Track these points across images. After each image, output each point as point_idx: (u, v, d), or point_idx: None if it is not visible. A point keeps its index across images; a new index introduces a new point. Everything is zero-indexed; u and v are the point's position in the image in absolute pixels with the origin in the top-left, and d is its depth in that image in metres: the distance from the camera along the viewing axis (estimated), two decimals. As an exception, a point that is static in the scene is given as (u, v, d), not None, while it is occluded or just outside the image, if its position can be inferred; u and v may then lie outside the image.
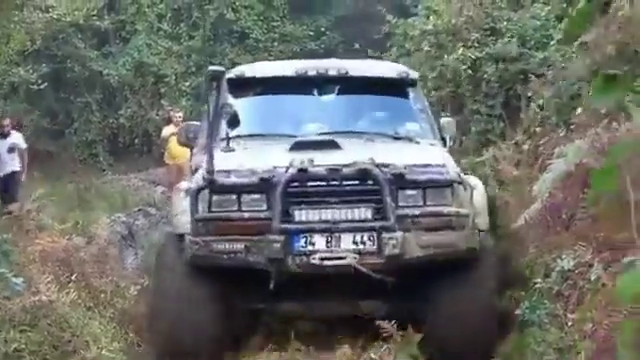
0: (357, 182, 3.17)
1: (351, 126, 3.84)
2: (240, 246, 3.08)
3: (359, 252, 3.06)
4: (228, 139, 3.54)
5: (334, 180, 3.15)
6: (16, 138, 7.82)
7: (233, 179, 3.21)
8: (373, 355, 3.07)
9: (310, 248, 3.09)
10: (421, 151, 3.61)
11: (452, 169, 3.32)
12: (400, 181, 3.12)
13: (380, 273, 3.03)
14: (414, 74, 4.22)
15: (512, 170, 4.78)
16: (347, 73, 3.89)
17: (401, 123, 3.87)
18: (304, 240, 3.10)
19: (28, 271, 4.64)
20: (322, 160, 3.16)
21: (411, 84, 4.06)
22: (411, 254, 3.05)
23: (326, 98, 3.88)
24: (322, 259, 3.05)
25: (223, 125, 3.58)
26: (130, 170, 12.07)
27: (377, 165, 3.11)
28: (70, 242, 5.67)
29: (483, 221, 3.37)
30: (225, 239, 3.10)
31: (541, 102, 5.44)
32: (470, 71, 6.69)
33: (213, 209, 3.16)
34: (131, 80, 13.68)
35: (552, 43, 6.11)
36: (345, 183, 3.16)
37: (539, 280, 3.17)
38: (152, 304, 3.47)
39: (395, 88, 4.02)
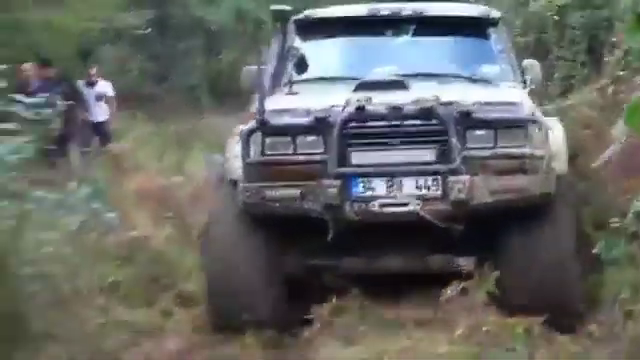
0: (420, 121, 2.91)
1: (425, 68, 3.55)
2: (294, 192, 2.88)
3: (422, 197, 2.84)
4: (291, 83, 3.39)
5: (395, 119, 2.89)
6: (103, 86, 8.02)
7: (287, 119, 3.00)
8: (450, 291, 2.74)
9: (369, 193, 2.88)
10: (496, 92, 3.34)
11: (528, 108, 3.03)
12: (467, 120, 2.86)
13: (446, 221, 2.80)
14: (496, 13, 3.87)
15: (595, 114, 4.69)
16: (422, 13, 3.65)
17: (480, 65, 3.59)
18: (362, 185, 2.90)
19: (124, 208, 4.76)
20: (384, 100, 2.92)
21: (492, 24, 3.74)
22: (480, 200, 2.82)
23: (400, 40, 3.63)
24: (382, 205, 2.84)
25: (289, 68, 3.44)
26: (230, 113, 12.39)
27: (442, 103, 2.86)
28: (167, 181, 5.82)
29: (561, 165, 3.10)
30: (278, 185, 2.90)
31: (625, 48, 5.10)
32: (555, 17, 6.84)
33: (266, 152, 2.94)
34: (232, 26, 13.79)
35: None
36: (407, 122, 2.91)
37: (616, 219, 2.89)
38: (204, 255, 3.32)
39: (474, 28, 3.75)
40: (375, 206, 2.83)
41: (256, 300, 2.95)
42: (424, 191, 2.86)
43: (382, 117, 2.90)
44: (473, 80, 3.49)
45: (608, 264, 2.87)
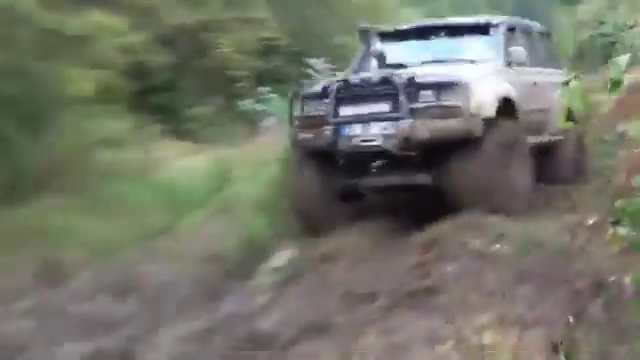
0: (381, 86, 4.48)
1: (444, 56, 5.22)
2: (310, 135, 4.57)
3: (383, 135, 4.36)
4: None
5: (366, 86, 4.55)
6: None
7: (313, 89, 4.88)
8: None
9: (351, 133, 4.45)
10: (465, 67, 4.90)
11: (465, 77, 4.42)
12: (412, 84, 4.35)
13: (401, 150, 4.33)
14: (495, 20, 5.51)
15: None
16: (447, 24, 5.66)
17: (477, 52, 5.21)
18: (347, 129, 4.48)
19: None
20: (404, 73, 4.49)
21: (490, 27, 5.34)
22: (420, 136, 4.27)
23: (435, 40, 5.49)
24: (360, 140, 4.42)
25: (369, 62, 5.00)
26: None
27: (396, 74, 4.40)
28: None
29: (488, 112, 4.39)
30: (303, 130, 4.66)
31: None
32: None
33: (301, 109, 4.73)
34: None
35: None
36: (374, 88, 4.51)
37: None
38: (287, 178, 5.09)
39: (479, 30, 5.40)
40: (354, 141, 4.42)
41: (317, 206, 4.63)
42: (384, 131, 4.35)
43: (358, 85, 4.60)
44: (468, 61, 5.04)
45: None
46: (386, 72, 4.46)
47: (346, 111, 4.48)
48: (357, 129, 4.41)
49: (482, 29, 5.36)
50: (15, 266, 4.55)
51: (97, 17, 6.56)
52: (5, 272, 4.44)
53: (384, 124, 4.31)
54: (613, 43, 9.87)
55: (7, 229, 5.07)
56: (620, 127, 3.68)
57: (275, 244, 4.73)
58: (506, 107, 4.60)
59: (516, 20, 6.01)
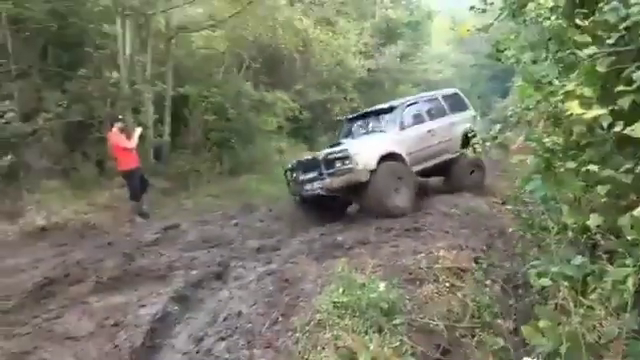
0: (313, 162, 7.27)
1: (372, 128, 8.26)
2: (292, 189, 7.64)
3: (319, 186, 7.03)
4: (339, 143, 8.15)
5: (307, 162, 7.42)
6: None
7: (289, 165, 7.93)
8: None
9: (306, 187, 7.24)
10: (374, 136, 7.96)
11: (354, 150, 7.02)
12: (326, 159, 7.07)
13: (330, 192, 6.92)
14: (396, 103, 8.41)
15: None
16: (376, 109, 8.55)
17: (386, 124, 8.06)
18: (304, 185, 7.24)
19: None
20: (323, 153, 7.41)
21: (394, 108, 8.21)
22: (334, 186, 6.84)
23: (370, 119, 8.48)
24: (309, 190, 7.17)
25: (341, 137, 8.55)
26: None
27: (318, 154, 7.36)
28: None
29: (370, 166, 6.86)
30: (289, 186, 7.76)
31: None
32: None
33: (288, 175, 7.86)
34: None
35: None
36: (310, 163, 7.32)
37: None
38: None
39: (390, 110, 8.22)
40: (308, 191, 7.16)
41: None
42: (318, 184, 7.01)
43: (303, 162, 7.46)
44: (379, 131, 7.95)
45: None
46: (316, 153, 7.50)
47: (301, 176, 7.31)
48: (307, 185, 7.17)
49: (391, 110, 8.18)
50: (232, 206, 8.57)
51: (277, 94, 13.58)
52: (228, 208, 8.26)
53: (317, 182, 7.04)
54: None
55: (231, 189, 9.71)
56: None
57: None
58: (391, 156, 7.13)
59: (416, 98, 8.89)
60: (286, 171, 7.87)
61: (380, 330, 3.38)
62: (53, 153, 8.57)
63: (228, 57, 13.14)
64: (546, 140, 2.55)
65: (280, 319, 3.60)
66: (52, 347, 3.14)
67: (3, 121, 7.86)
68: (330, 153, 7.21)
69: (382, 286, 3.77)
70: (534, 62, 3.18)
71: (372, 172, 6.90)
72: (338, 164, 7.03)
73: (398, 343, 3.25)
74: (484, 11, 6.53)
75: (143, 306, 3.78)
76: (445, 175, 8.74)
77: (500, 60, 5.82)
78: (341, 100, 16.10)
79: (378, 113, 8.42)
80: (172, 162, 10.40)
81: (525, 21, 5.15)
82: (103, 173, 8.94)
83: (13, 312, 3.84)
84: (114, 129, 7.79)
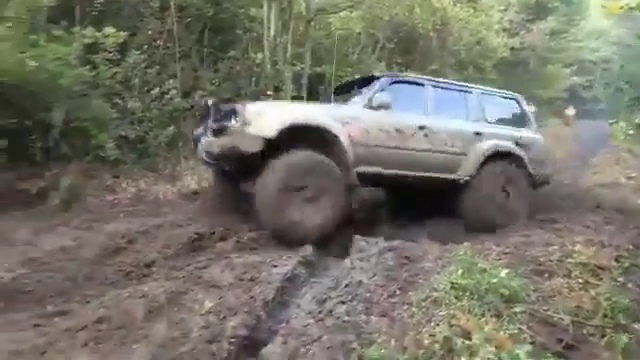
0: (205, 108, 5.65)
1: (353, 99, 6.09)
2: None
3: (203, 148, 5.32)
4: None
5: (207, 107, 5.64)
6: None
7: None
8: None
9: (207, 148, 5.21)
10: (329, 106, 5.91)
11: (259, 107, 5.04)
12: (216, 106, 5.41)
13: (212, 159, 5.30)
14: (378, 74, 6.26)
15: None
16: (360, 78, 6.71)
17: (360, 97, 5.85)
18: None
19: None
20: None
21: (373, 79, 6.09)
22: (213, 150, 5.02)
23: (354, 91, 6.33)
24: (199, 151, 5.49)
25: None
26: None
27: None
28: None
29: (266, 133, 4.80)
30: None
31: None
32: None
33: None
34: None
35: None
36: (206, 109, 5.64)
37: None
38: None
39: (368, 82, 6.15)
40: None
41: None
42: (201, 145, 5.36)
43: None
44: (350, 104, 5.80)
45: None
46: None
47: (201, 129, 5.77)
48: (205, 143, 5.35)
49: (369, 81, 5.98)
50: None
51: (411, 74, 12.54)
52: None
53: (203, 140, 5.43)
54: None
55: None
56: None
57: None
58: (308, 131, 4.93)
59: (434, 80, 6.34)
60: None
61: (498, 316, 3.34)
62: (205, 126, 9.65)
63: (363, 37, 13.33)
64: None
65: (397, 292, 3.74)
66: (200, 291, 3.68)
67: (168, 97, 9.04)
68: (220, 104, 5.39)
69: (504, 273, 3.70)
70: None
71: (268, 142, 4.79)
72: (226, 119, 5.05)
73: (516, 330, 3.19)
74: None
75: (275, 266, 4.20)
76: (449, 203, 6.11)
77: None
78: (478, 80, 15.41)
79: (361, 85, 6.18)
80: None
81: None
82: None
83: (171, 259, 4.55)
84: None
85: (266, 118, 4.87)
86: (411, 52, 14.65)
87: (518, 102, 6.96)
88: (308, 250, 4.75)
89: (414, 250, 4.66)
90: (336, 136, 5.14)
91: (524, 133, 6.73)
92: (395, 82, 5.95)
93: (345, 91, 6.46)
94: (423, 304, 3.47)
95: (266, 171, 4.82)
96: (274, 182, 4.78)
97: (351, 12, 12.72)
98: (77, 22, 7.88)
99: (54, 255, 4.42)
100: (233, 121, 4.94)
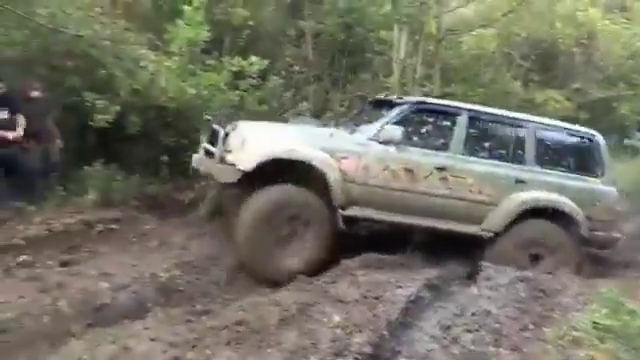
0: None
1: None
2: None
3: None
4: None
5: None
6: None
7: None
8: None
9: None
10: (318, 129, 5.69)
11: (253, 130, 4.91)
12: (213, 127, 5.30)
13: None
14: (397, 100, 5.46)
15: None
16: (387, 99, 5.80)
17: (376, 123, 5.26)
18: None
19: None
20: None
21: (393, 104, 5.41)
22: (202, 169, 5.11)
23: (380, 109, 5.74)
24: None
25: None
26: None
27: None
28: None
29: (244, 165, 4.61)
30: None
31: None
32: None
33: None
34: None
35: None
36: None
37: None
38: None
39: (390, 104, 5.55)
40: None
41: None
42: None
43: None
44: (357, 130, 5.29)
45: None
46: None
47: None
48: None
49: (390, 105, 5.25)
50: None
51: (549, 93, 12.38)
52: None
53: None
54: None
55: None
56: None
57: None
58: (289, 167, 4.57)
59: (471, 108, 5.29)
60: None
61: (649, 363, 3.02)
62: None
63: (497, 56, 12.87)
64: None
65: (531, 327, 3.57)
66: (327, 305, 3.88)
67: (301, 118, 9.64)
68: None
69: (659, 316, 3.33)
70: None
71: (246, 174, 4.54)
72: (218, 142, 4.81)
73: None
74: None
75: (400, 287, 4.25)
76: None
77: None
78: (632, 98, 13.74)
79: (389, 105, 5.39)
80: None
81: None
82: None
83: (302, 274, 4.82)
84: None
85: (247, 147, 4.62)
86: (550, 69, 13.72)
87: (592, 142, 5.58)
88: (432, 273, 4.72)
89: (550, 283, 4.39)
90: (323, 173, 4.66)
91: (591, 184, 5.45)
92: (420, 110, 5.20)
93: (379, 107, 5.69)
94: (560, 342, 3.27)
95: (244, 205, 4.63)
96: (250, 218, 4.54)
97: (485, 29, 12.37)
98: (226, 52, 8.81)
99: (201, 260, 4.97)
100: (217, 145, 4.81)
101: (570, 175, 5.38)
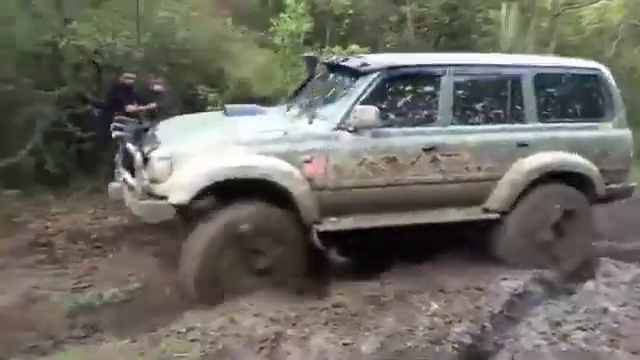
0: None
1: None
2: None
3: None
4: None
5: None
6: None
7: None
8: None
9: None
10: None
11: (185, 143, 3.68)
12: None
13: None
14: (385, 60, 4.17)
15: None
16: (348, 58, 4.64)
17: (331, 106, 4.14)
18: None
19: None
20: None
21: (370, 72, 3.99)
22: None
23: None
24: None
25: None
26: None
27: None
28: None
29: (179, 196, 3.49)
30: None
31: None
32: None
33: None
34: None
35: None
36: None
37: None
38: None
39: (357, 72, 4.15)
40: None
41: None
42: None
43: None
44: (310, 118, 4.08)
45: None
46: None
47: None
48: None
49: (357, 74, 4.01)
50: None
51: None
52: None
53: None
54: None
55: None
56: None
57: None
58: (248, 187, 3.50)
59: (457, 58, 4.25)
60: None
61: None
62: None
63: (624, 27, 11.55)
64: None
65: (656, 329, 3.20)
66: (428, 293, 3.83)
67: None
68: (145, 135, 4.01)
69: None
70: None
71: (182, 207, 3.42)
72: (136, 172, 3.58)
73: None
74: None
75: (505, 279, 4.05)
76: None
77: None
78: None
79: (351, 73, 4.15)
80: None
81: None
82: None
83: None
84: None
85: (177, 170, 3.47)
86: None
87: (598, 78, 4.58)
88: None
89: (683, 281, 3.89)
90: (284, 188, 3.60)
91: (602, 131, 4.53)
92: (393, 77, 3.99)
93: (338, 73, 4.45)
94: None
95: (191, 234, 3.62)
96: (199, 251, 3.53)
97: (609, 1, 11.16)
98: (327, 42, 8.95)
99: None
100: (136, 176, 3.62)
101: (578, 125, 4.50)
